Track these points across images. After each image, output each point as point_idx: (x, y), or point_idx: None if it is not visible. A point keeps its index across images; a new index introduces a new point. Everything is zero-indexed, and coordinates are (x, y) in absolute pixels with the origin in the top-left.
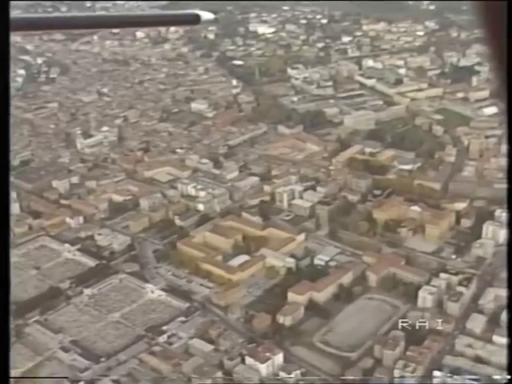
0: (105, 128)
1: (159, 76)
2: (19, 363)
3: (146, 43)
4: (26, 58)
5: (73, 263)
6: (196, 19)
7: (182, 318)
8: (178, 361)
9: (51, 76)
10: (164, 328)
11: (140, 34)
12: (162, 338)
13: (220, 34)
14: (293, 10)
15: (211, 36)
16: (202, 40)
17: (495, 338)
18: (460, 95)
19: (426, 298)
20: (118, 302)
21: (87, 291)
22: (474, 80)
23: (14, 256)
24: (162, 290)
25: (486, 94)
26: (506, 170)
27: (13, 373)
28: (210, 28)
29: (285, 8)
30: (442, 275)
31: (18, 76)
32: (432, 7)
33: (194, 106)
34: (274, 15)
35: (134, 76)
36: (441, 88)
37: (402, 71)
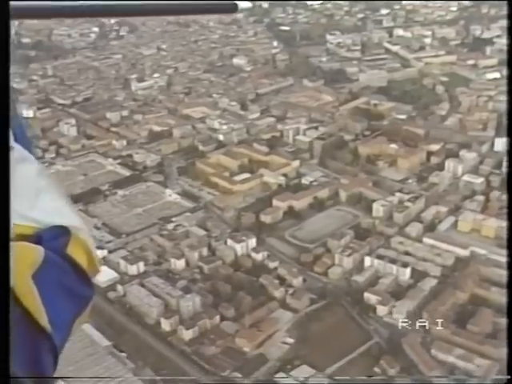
0: (157, 75)
1: (213, 37)
2: None
3: None
4: (101, 18)
5: (113, 173)
6: (234, 8)
7: (188, 214)
8: (178, 241)
9: (121, 34)
10: (173, 219)
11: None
12: (170, 226)
13: (273, 4)
14: None
15: (265, 5)
16: (256, 8)
17: (425, 239)
18: (471, 62)
19: (378, 209)
20: (143, 201)
21: (120, 192)
22: (488, 49)
23: (68, 166)
24: (178, 194)
25: (494, 61)
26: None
27: None
28: None
29: None
30: (397, 194)
31: (91, 32)
32: None
33: (236, 61)
34: None
35: (190, 36)
36: (455, 55)
37: (428, 40)
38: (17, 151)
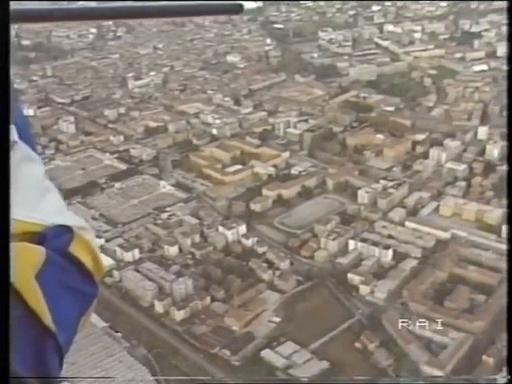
0: (153, 73)
1: (208, 35)
2: None
3: None
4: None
5: (110, 167)
6: (239, 9)
7: (182, 204)
8: (172, 229)
9: (118, 34)
10: (167, 209)
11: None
12: (164, 215)
13: (267, 2)
14: None
15: (260, 4)
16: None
17: (407, 223)
18: (458, 55)
19: (363, 195)
20: (138, 193)
21: (117, 185)
22: (476, 43)
23: (67, 161)
24: (172, 185)
25: (481, 54)
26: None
27: None
28: None
29: None
30: (381, 181)
31: (89, 33)
32: None
33: (230, 58)
34: None
35: (186, 35)
36: (444, 49)
37: (417, 35)
38: (22, 150)
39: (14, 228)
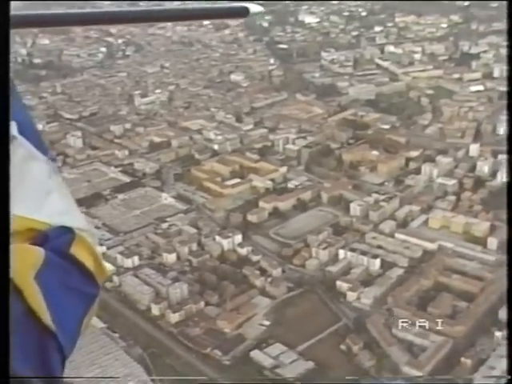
0: (159, 91)
1: (214, 55)
2: None
3: (209, 29)
4: (109, 39)
5: (114, 180)
6: (245, 12)
7: (182, 215)
8: (171, 238)
9: (127, 53)
10: (167, 219)
11: (206, 21)
12: (164, 225)
13: (273, 23)
14: (339, 4)
15: (265, 24)
16: (257, 27)
17: (397, 235)
18: (456, 76)
19: (355, 208)
20: (141, 204)
21: (120, 196)
22: (474, 64)
23: (74, 174)
24: (173, 197)
25: (478, 75)
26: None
27: None
28: (266, 17)
29: (333, 2)
30: (373, 195)
31: (99, 52)
32: (466, 3)
33: (233, 77)
34: (322, 8)
35: (193, 54)
36: (442, 70)
37: (417, 56)
38: (25, 148)
39: (19, 225)
